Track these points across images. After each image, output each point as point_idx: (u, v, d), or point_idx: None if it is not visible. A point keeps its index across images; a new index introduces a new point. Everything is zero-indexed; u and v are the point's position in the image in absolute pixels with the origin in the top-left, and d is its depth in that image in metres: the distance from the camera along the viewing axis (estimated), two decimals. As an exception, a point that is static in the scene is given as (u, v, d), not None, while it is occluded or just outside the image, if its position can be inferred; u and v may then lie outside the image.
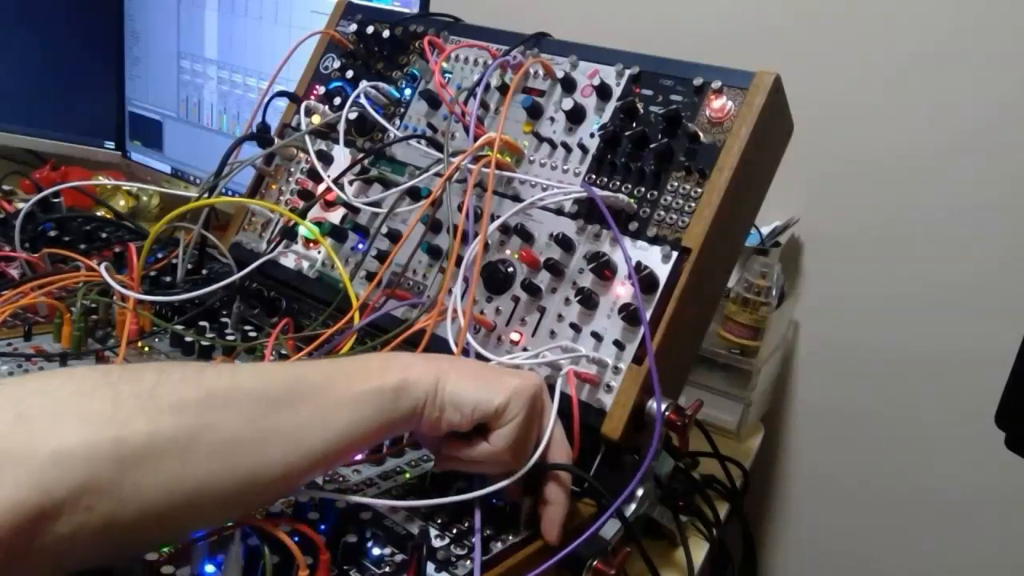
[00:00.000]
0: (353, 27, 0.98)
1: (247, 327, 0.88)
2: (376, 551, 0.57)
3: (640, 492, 0.70)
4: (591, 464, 0.69)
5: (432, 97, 0.88)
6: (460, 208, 0.76)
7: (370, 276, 0.85)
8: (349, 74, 0.97)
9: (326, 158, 0.93)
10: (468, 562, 0.57)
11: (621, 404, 0.68)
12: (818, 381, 1.24)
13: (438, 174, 0.80)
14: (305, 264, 0.91)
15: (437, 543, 0.59)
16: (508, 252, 0.79)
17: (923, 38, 1.10)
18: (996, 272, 1.08)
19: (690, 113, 0.75)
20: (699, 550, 0.79)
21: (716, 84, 0.75)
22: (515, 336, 0.76)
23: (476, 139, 0.80)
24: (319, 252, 0.91)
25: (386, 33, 0.94)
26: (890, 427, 1.18)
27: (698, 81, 0.76)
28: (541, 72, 0.84)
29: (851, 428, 1.22)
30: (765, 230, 1.15)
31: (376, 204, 0.86)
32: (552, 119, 0.82)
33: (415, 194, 0.84)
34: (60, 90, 1.46)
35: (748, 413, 1.08)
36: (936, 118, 1.10)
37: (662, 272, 0.71)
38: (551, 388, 0.66)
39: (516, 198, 0.80)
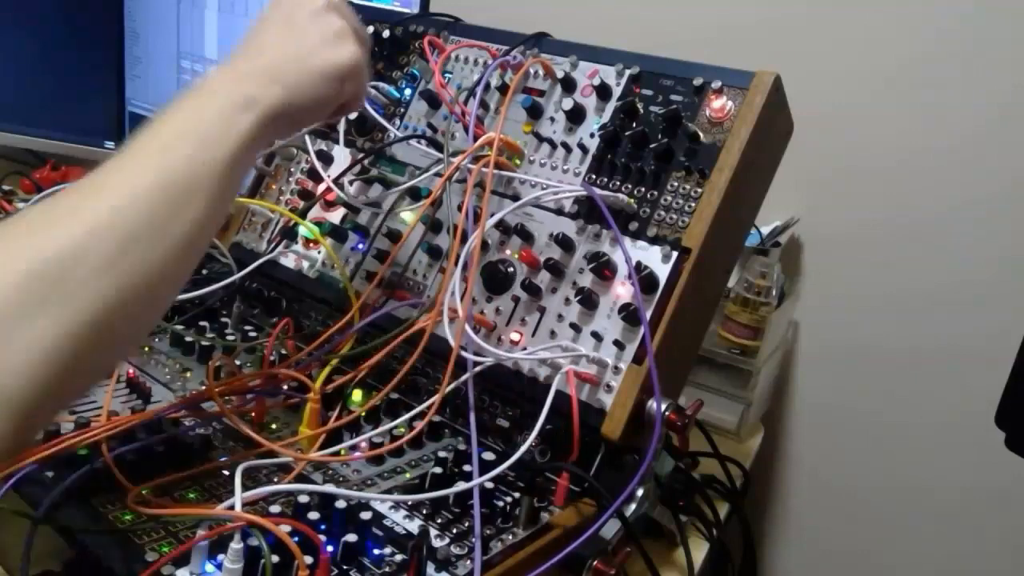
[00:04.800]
0: (353, 27, 0.98)
1: (247, 327, 0.88)
2: (376, 551, 0.57)
3: (640, 492, 0.70)
4: (591, 464, 0.69)
5: (432, 97, 0.88)
6: (460, 208, 0.76)
7: (370, 276, 0.85)
8: (349, 74, 0.97)
9: (326, 158, 0.93)
10: (468, 562, 0.57)
11: (621, 404, 0.69)
12: (818, 381, 1.24)
13: (438, 174, 0.80)
14: (305, 264, 0.91)
15: (437, 543, 0.59)
16: (508, 252, 0.79)
17: (923, 38, 1.10)
18: (996, 272, 1.08)
19: (690, 113, 0.75)
20: (699, 550, 0.79)
21: (716, 84, 0.75)
22: (515, 336, 0.76)
23: (476, 139, 0.80)
24: (319, 252, 0.91)
25: (386, 33, 0.94)
26: (890, 427, 1.18)
27: (698, 81, 0.76)
28: (541, 72, 0.84)
29: (851, 428, 1.22)
30: (765, 230, 1.15)
31: (376, 204, 0.86)
32: (552, 119, 0.82)
33: (415, 194, 0.84)
34: (60, 90, 1.46)
35: (748, 413, 1.07)
36: (936, 118, 1.10)
37: (662, 272, 0.71)
38: (548, 388, 0.67)
39: (516, 198, 0.80)
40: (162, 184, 0.49)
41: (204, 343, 0.81)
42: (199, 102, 0.54)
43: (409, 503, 0.63)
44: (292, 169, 0.98)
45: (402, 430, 0.71)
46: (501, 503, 0.64)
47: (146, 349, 0.82)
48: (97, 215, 0.47)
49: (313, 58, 0.60)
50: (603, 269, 0.72)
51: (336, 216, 0.91)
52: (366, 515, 0.58)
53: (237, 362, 0.80)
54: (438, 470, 0.66)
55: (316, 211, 0.92)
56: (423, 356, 0.74)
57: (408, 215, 0.85)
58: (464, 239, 0.75)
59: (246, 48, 0.61)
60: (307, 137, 0.92)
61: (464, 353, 0.70)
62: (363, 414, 0.73)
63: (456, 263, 0.73)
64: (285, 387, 0.75)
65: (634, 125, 0.77)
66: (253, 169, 0.98)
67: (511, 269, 0.78)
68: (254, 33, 0.62)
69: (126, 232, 0.47)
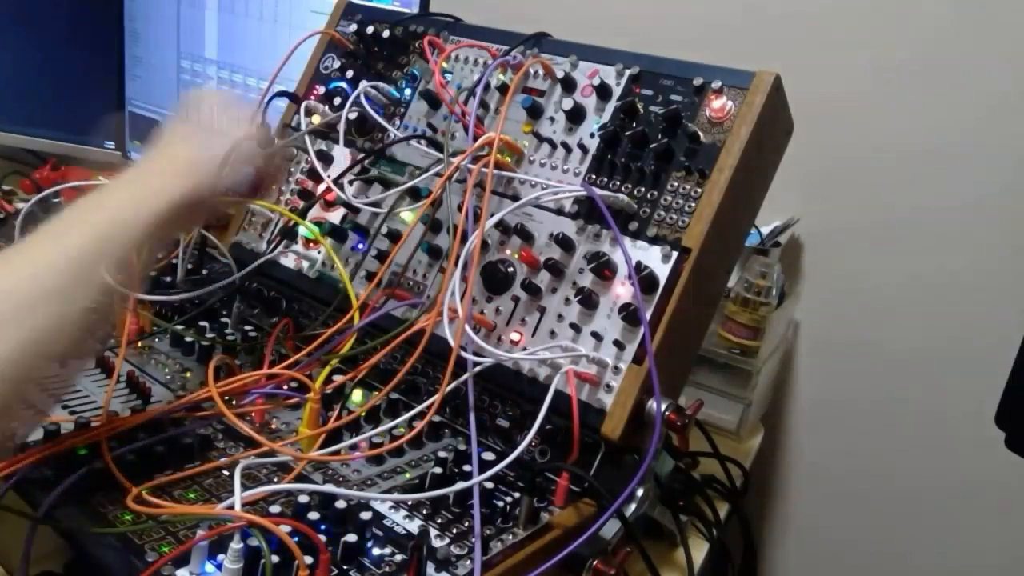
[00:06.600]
0: (353, 27, 0.98)
1: (247, 327, 0.88)
2: (376, 551, 0.57)
3: (640, 492, 0.70)
4: (591, 464, 0.69)
5: (432, 97, 0.88)
6: (460, 208, 0.76)
7: (370, 276, 0.85)
8: (349, 74, 0.97)
9: (326, 158, 0.93)
10: (468, 562, 0.57)
11: (621, 404, 0.68)
12: (818, 381, 1.24)
13: (438, 174, 0.80)
14: (305, 264, 0.91)
15: (437, 543, 0.59)
16: (508, 252, 0.79)
17: (922, 37, 1.10)
18: (996, 272, 1.08)
19: (690, 113, 0.75)
20: (699, 550, 0.79)
21: (716, 84, 0.75)
22: (515, 336, 0.76)
23: (476, 139, 0.80)
24: (319, 252, 0.91)
25: (386, 33, 0.94)
26: (890, 427, 1.18)
27: (698, 81, 0.76)
28: (541, 72, 0.84)
29: (851, 427, 1.22)
30: (765, 230, 1.15)
31: (376, 204, 0.86)
32: (552, 119, 0.82)
33: (415, 194, 0.84)
34: (60, 90, 1.46)
35: (748, 413, 1.07)
36: (935, 117, 1.10)
37: (662, 272, 0.71)
38: (548, 388, 0.67)
39: (516, 198, 0.80)
40: (78, 257, 0.57)
41: (204, 343, 0.81)
42: (118, 190, 0.64)
43: (409, 503, 0.63)
44: (292, 169, 0.98)
45: (402, 430, 0.71)
46: (501, 503, 0.64)
47: (146, 349, 0.82)
48: (19, 277, 0.55)
49: (205, 152, 0.67)
50: (603, 269, 0.72)
51: (336, 216, 0.91)
52: (366, 515, 0.58)
53: (237, 362, 0.80)
54: (438, 470, 0.66)
55: (316, 211, 0.92)
56: (423, 356, 0.74)
57: (408, 215, 0.85)
58: (464, 239, 0.75)
59: (158, 145, 0.69)
60: (307, 137, 0.92)
61: (464, 353, 0.70)
62: (363, 414, 0.73)
63: (456, 263, 0.73)
64: (285, 387, 0.75)
65: (634, 125, 0.77)
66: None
67: (511, 269, 0.78)
68: (166, 132, 0.71)
69: (38, 294, 0.55)
